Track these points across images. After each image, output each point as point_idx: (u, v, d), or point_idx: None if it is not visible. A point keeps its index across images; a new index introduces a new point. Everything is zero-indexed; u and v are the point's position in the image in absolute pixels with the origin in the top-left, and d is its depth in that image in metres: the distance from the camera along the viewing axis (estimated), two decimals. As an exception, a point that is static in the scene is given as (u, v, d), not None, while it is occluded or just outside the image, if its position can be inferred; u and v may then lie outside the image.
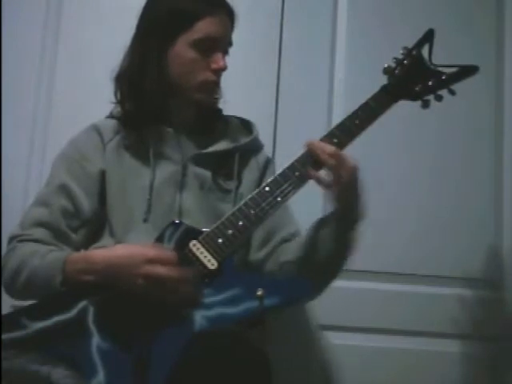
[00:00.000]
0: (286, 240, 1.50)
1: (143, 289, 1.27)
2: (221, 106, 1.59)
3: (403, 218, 1.96)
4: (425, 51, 1.42)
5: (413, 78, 1.40)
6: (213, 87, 1.50)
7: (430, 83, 1.40)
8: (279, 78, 2.01)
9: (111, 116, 1.55)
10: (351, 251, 1.40)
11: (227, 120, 1.60)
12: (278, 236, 1.50)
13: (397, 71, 1.41)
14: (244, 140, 1.55)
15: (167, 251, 1.31)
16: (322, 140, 1.37)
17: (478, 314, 1.94)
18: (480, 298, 1.96)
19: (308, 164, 1.35)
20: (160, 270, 1.26)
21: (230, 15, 1.50)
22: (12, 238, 1.43)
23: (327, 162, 1.32)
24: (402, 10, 2.06)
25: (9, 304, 1.52)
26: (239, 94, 1.85)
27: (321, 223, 1.42)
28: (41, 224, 1.42)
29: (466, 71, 1.39)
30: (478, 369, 1.92)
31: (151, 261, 1.27)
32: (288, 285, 1.33)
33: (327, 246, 1.38)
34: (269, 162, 1.60)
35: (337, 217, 1.37)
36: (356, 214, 1.37)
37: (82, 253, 1.43)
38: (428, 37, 1.43)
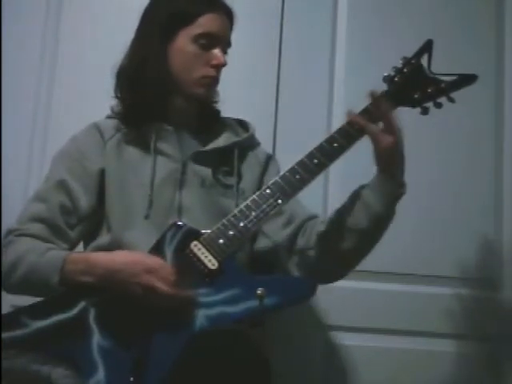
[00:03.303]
0: (310, 219, 1.50)
1: (139, 296, 1.28)
2: (220, 105, 1.59)
3: (403, 218, 1.95)
4: (424, 61, 1.42)
5: (412, 86, 1.41)
6: (212, 82, 1.51)
7: (430, 91, 1.40)
8: (279, 78, 2.02)
9: (111, 115, 1.55)
10: (392, 215, 1.40)
11: (224, 120, 1.61)
12: (301, 215, 1.50)
13: (396, 79, 1.42)
14: (242, 136, 1.57)
15: (166, 262, 1.32)
16: (323, 143, 1.37)
17: (478, 314, 1.95)
18: (480, 297, 1.96)
19: (309, 168, 1.36)
20: (157, 281, 1.27)
21: (229, 15, 1.52)
22: (9, 232, 1.43)
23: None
24: (402, 10, 2.06)
25: (9, 304, 1.52)
26: (239, 93, 1.86)
27: (360, 189, 1.41)
28: (38, 219, 1.43)
29: (465, 80, 1.40)
30: (477, 369, 1.92)
31: (150, 270, 1.28)
32: (288, 284, 1.34)
33: (370, 207, 1.36)
34: (270, 158, 1.62)
35: (381, 178, 1.37)
36: (400, 177, 1.38)
37: (83, 254, 1.44)
38: (427, 47, 1.43)
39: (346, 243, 1.40)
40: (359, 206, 1.39)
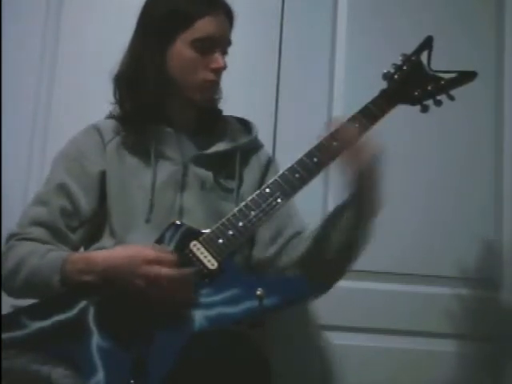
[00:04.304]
0: (295, 236, 1.50)
1: (142, 289, 1.27)
2: (221, 105, 1.59)
3: (403, 218, 1.95)
4: (424, 57, 1.43)
5: (412, 83, 1.41)
6: (212, 86, 1.50)
7: (429, 88, 1.41)
8: (279, 78, 2.02)
9: (111, 116, 1.54)
10: (366, 241, 1.40)
11: (227, 120, 1.59)
12: (287, 232, 1.50)
13: (396, 76, 1.42)
14: (244, 140, 1.55)
15: (167, 252, 1.31)
16: (323, 141, 1.37)
17: (478, 314, 1.95)
18: (480, 297, 1.96)
19: (308, 166, 1.35)
20: (159, 271, 1.26)
21: (228, 15, 1.50)
22: (10, 237, 1.43)
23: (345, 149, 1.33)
24: (402, 9, 2.06)
25: (9, 304, 1.52)
26: (239, 93, 1.86)
27: (335, 212, 1.42)
28: (39, 223, 1.42)
29: (465, 77, 1.41)
30: (477, 369, 1.92)
31: (151, 262, 1.27)
32: (288, 285, 1.34)
33: (342, 234, 1.38)
34: (270, 162, 1.60)
35: (352, 204, 1.37)
36: (372, 202, 1.37)
37: (83, 253, 1.44)
38: (427, 43, 1.44)
39: (323, 266, 1.42)
40: (332, 229, 1.40)
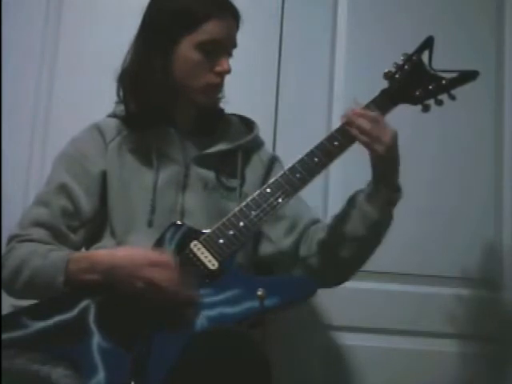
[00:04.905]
0: (313, 224, 1.50)
1: (141, 291, 1.27)
2: (221, 105, 1.59)
3: (403, 218, 1.95)
4: (425, 57, 1.43)
5: (413, 83, 1.42)
6: (215, 90, 1.49)
7: (430, 88, 1.41)
8: (279, 78, 2.02)
9: (114, 115, 1.54)
10: (390, 220, 1.41)
11: (228, 119, 1.59)
12: (304, 221, 1.50)
13: (397, 76, 1.42)
14: (245, 138, 1.55)
15: (169, 256, 1.31)
16: (323, 141, 1.38)
17: (478, 314, 1.95)
18: (480, 297, 1.96)
19: (309, 166, 1.36)
20: (160, 275, 1.26)
21: (236, 17, 1.48)
22: (11, 238, 1.42)
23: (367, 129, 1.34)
24: (402, 10, 2.06)
25: (9, 304, 1.52)
26: (239, 93, 1.84)
27: (356, 196, 1.43)
28: (40, 224, 1.42)
29: (466, 76, 1.41)
30: (477, 369, 1.92)
31: (153, 264, 1.27)
32: (289, 285, 1.34)
33: (366, 214, 1.39)
34: (274, 159, 1.60)
35: (376, 185, 1.39)
36: (395, 183, 1.40)
37: (85, 252, 1.44)
38: (428, 43, 1.44)
39: (345, 251, 1.42)
40: (356, 214, 1.41)
